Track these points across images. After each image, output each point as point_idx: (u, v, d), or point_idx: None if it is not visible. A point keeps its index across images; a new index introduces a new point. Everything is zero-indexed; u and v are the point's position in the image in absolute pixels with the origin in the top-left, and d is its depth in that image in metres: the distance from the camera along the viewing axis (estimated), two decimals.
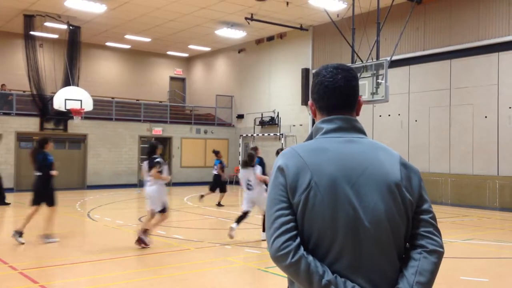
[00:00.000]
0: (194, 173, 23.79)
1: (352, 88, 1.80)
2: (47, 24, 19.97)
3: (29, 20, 19.59)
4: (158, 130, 23.28)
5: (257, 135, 23.69)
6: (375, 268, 1.67)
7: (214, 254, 8.71)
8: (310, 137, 1.84)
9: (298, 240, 1.65)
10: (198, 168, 24.07)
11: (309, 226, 1.66)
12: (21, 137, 20.05)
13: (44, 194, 9.12)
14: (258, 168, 9.68)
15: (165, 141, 24.01)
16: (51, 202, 9.20)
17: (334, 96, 1.79)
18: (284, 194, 1.68)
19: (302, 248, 1.65)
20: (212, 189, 15.68)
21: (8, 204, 15.09)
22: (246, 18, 19.22)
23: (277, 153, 11.51)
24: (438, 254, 1.73)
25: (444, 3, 16.48)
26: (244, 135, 24.56)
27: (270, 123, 22.93)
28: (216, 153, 16.09)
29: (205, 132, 24.64)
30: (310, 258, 1.64)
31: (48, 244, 9.35)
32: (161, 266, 7.56)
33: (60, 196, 15.07)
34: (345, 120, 1.78)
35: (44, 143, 9.21)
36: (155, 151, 8.83)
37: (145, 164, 8.90)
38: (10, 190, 19.36)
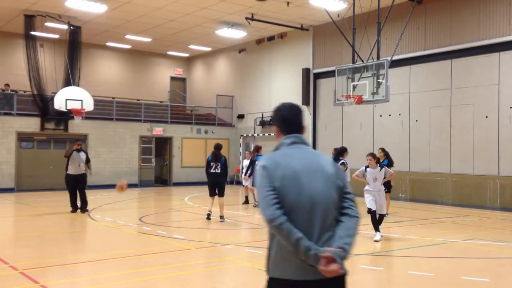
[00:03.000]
0: (194, 173, 23.77)
1: (300, 119, 2.93)
2: (48, 24, 19.97)
3: (30, 20, 19.59)
4: (158, 130, 23.29)
5: (258, 135, 23.69)
6: (323, 225, 2.66)
7: (214, 254, 8.71)
8: (277, 147, 2.87)
9: (282, 210, 2.59)
10: (198, 168, 24.00)
11: (283, 203, 2.62)
12: (22, 137, 20.06)
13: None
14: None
15: (165, 141, 24.03)
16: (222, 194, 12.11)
17: (291, 124, 2.90)
18: (269, 181, 2.66)
19: (284, 215, 2.59)
20: None
21: (87, 211, 13.49)
22: (246, 18, 19.21)
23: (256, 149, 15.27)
24: (357, 218, 2.76)
25: (445, 3, 16.47)
26: (245, 135, 24.56)
27: (271, 123, 22.90)
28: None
29: (206, 132, 24.65)
30: (289, 223, 2.58)
31: (48, 244, 9.36)
32: (161, 266, 7.55)
33: (61, 197, 15.08)
34: (297, 137, 2.87)
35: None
36: (342, 154, 10.52)
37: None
38: (11, 190, 19.39)
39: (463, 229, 11.45)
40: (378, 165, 9.92)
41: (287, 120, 2.89)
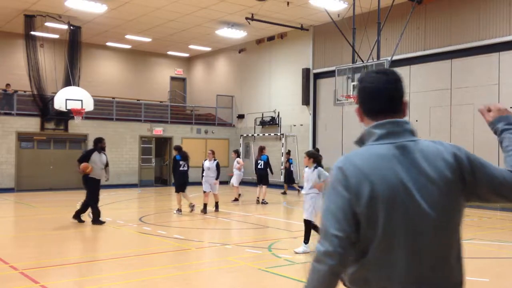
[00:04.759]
0: (195, 173, 23.72)
1: (395, 90, 1.87)
2: (48, 24, 19.97)
3: (30, 20, 19.59)
4: (158, 130, 23.29)
5: (258, 135, 23.69)
6: (435, 273, 1.75)
7: (214, 254, 8.71)
8: (361, 140, 1.89)
9: (343, 251, 1.75)
10: (199, 168, 24.02)
11: (369, 237, 1.73)
12: (22, 137, 20.06)
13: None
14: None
15: (165, 141, 24.03)
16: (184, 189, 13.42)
17: (381, 100, 1.85)
18: (347, 202, 1.73)
19: (340, 262, 1.75)
20: None
21: (103, 222, 11.39)
22: (246, 18, 19.22)
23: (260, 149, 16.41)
24: None
25: (445, 3, 16.47)
26: (245, 135, 24.56)
27: (271, 123, 22.93)
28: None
29: (206, 132, 24.65)
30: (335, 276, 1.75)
31: (48, 244, 9.36)
32: (161, 266, 7.56)
33: (61, 196, 15.07)
34: (396, 124, 1.82)
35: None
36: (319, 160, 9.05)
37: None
38: (11, 190, 19.38)
39: (463, 229, 11.42)
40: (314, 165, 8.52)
41: (373, 95, 1.87)
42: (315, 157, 8.55)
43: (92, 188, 11.25)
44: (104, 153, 11.71)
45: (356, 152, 1.83)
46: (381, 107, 1.85)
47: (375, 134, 1.83)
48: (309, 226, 8.39)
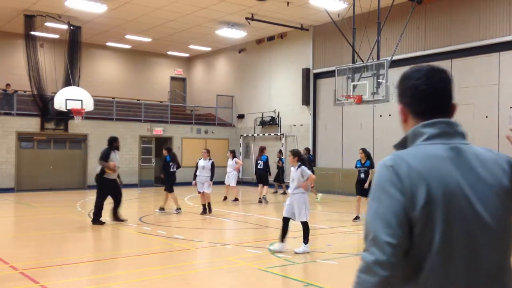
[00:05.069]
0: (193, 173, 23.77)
1: (446, 89, 1.74)
2: (48, 24, 19.97)
3: (30, 20, 19.59)
4: (158, 130, 23.30)
5: (258, 135, 23.69)
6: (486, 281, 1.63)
7: (214, 254, 8.71)
8: (404, 142, 1.76)
9: (396, 261, 1.60)
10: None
11: (429, 242, 1.58)
12: (22, 137, 20.06)
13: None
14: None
15: (165, 141, 24.03)
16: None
17: (432, 99, 1.72)
18: (400, 204, 1.57)
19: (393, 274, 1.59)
20: None
21: (103, 223, 11.26)
22: (246, 18, 19.22)
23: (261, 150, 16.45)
24: None
25: (445, 3, 16.47)
26: (245, 135, 24.56)
27: (271, 123, 22.93)
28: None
29: (206, 132, 24.65)
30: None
31: (48, 244, 9.36)
32: (161, 266, 7.56)
33: (61, 196, 15.07)
34: (448, 124, 1.70)
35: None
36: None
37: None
38: (11, 190, 19.38)
39: None
40: (298, 164, 8.45)
41: (422, 94, 1.74)
42: (299, 156, 8.62)
43: (104, 188, 11.24)
44: (118, 153, 11.72)
45: (407, 151, 1.68)
46: (432, 106, 1.72)
47: (425, 134, 1.69)
48: (307, 226, 8.43)
